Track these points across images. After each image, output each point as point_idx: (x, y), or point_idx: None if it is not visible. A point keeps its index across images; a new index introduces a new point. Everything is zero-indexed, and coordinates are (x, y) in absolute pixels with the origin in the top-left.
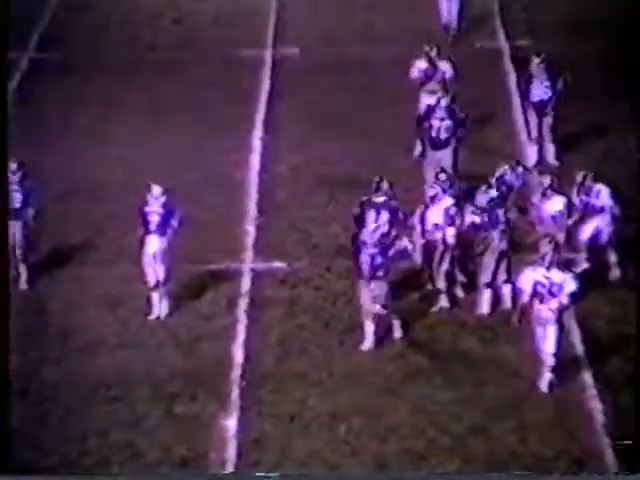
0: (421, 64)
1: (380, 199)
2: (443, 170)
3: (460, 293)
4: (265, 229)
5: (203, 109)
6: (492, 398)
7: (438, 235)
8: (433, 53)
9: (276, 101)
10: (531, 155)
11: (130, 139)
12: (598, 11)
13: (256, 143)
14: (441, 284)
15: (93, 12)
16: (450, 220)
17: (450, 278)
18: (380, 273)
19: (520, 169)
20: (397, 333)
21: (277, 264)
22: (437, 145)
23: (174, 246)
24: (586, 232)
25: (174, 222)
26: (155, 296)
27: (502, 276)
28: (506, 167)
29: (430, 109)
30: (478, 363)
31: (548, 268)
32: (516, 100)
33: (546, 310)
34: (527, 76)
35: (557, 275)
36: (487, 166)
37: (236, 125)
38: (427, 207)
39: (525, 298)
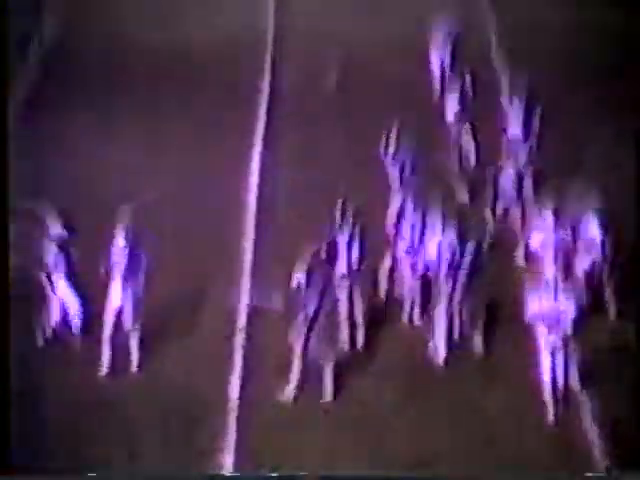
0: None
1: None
2: None
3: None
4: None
5: (200, 140)
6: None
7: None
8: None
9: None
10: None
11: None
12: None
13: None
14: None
15: (91, 44)
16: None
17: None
18: None
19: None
20: None
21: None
22: None
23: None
24: (581, 267)
25: (140, 272)
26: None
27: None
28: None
29: None
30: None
31: (554, 296)
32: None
33: (553, 338)
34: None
35: (562, 302)
36: None
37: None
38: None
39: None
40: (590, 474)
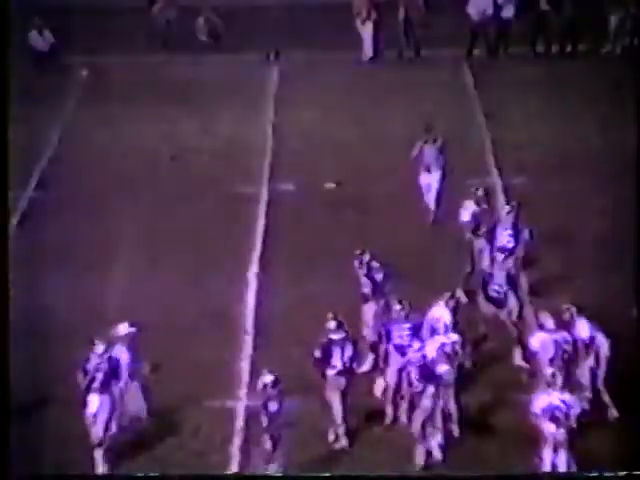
0: (471, 206)
1: (341, 336)
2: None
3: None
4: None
5: (199, 245)
6: None
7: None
8: (480, 193)
9: (271, 237)
10: None
11: (129, 274)
12: (588, 148)
13: (252, 279)
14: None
15: (91, 149)
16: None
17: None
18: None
19: None
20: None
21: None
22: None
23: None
24: (583, 373)
25: (121, 380)
26: (98, 453)
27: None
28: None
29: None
30: None
31: (561, 390)
32: None
33: (560, 434)
34: (493, 220)
35: (569, 397)
36: None
37: (233, 261)
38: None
39: (541, 424)
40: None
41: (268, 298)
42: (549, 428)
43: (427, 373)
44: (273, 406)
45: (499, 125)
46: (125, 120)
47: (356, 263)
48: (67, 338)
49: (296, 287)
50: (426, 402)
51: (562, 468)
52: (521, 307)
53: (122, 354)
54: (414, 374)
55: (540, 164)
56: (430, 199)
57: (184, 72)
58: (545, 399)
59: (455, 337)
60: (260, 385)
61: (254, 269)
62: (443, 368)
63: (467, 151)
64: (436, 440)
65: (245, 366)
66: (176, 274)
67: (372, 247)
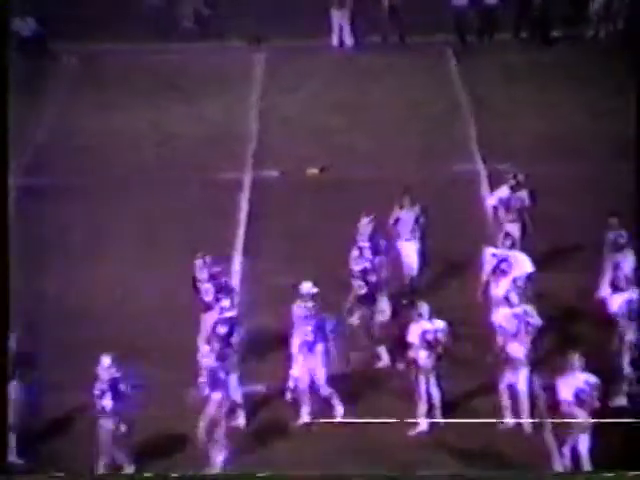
0: (501, 192)
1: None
2: None
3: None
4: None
5: (184, 231)
6: None
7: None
8: (520, 178)
9: (255, 224)
10: None
11: (120, 259)
12: (574, 134)
13: (236, 264)
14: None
15: (77, 136)
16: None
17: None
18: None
19: None
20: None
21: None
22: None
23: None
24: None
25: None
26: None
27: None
28: None
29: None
30: None
31: (583, 372)
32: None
33: (585, 416)
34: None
35: (593, 378)
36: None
37: (217, 246)
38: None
39: (566, 407)
40: None
41: (252, 283)
42: (579, 414)
43: None
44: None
45: (484, 111)
46: (112, 106)
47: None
48: (56, 323)
49: (280, 273)
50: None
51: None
52: None
53: None
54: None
55: (526, 150)
56: (408, 267)
57: (170, 59)
58: (570, 383)
59: (441, 324)
60: None
61: (238, 255)
62: (422, 354)
63: (452, 137)
64: None
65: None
66: (161, 259)
67: (355, 231)
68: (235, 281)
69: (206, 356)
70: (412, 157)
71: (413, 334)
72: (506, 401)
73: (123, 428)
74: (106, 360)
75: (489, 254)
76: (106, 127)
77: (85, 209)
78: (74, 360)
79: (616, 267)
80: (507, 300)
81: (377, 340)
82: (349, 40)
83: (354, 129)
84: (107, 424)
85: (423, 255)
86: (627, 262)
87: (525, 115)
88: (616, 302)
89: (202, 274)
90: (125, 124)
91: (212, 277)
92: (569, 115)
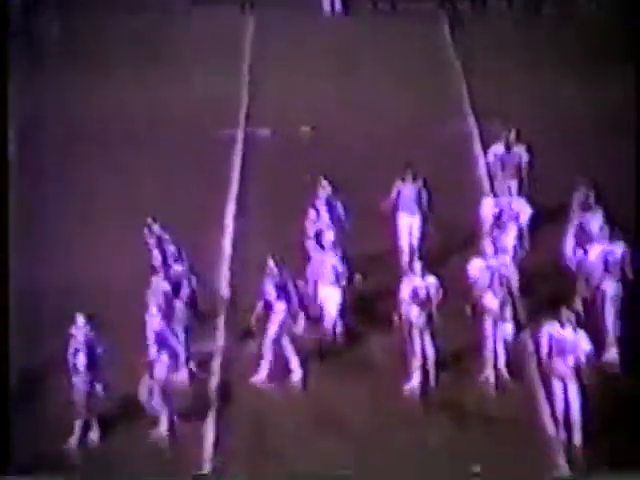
0: (498, 149)
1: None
2: None
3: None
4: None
5: (175, 190)
6: None
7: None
8: (511, 137)
9: (248, 182)
10: None
11: (108, 223)
12: (565, 98)
13: (228, 224)
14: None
15: (68, 105)
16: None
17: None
18: None
19: None
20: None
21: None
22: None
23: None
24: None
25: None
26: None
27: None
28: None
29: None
30: None
31: (562, 325)
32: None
33: (562, 365)
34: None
35: (569, 333)
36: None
37: (209, 207)
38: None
39: (542, 352)
40: None
41: (244, 244)
42: (553, 358)
43: None
44: None
45: (476, 77)
46: (100, 72)
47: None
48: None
49: (272, 232)
50: None
51: (574, 401)
52: None
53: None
54: None
55: (517, 113)
56: (405, 244)
57: (159, 24)
58: (546, 329)
59: (432, 280)
60: None
61: (230, 214)
62: (414, 311)
63: (443, 102)
64: None
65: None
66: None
67: (347, 190)
68: (227, 242)
69: (154, 317)
70: (404, 120)
71: (404, 290)
72: (489, 353)
73: (99, 388)
74: (81, 319)
75: (490, 205)
76: (94, 94)
77: (74, 175)
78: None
79: (582, 226)
80: (482, 252)
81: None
82: (340, 6)
83: (346, 94)
84: (80, 384)
85: (424, 229)
86: (594, 220)
87: (516, 79)
88: (593, 253)
89: (150, 238)
90: (114, 90)
91: (160, 242)
92: (559, 81)
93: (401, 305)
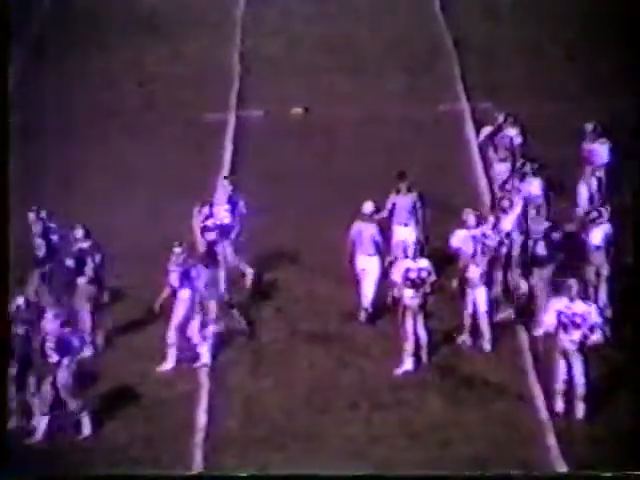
0: (488, 131)
1: None
2: None
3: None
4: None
5: (167, 172)
6: None
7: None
8: (501, 119)
9: (239, 164)
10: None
11: (95, 201)
12: (556, 73)
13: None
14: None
15: (57, 76)
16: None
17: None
18: None
19: None
20: None
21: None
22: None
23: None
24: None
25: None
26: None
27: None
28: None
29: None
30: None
31: (572, 299)
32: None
33: (568, 341)
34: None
35: (580, 306)
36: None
37: (200, 187)
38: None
39: (550, 329)
40: None
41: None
42: (559, 334)
43: None
44: None
45: (468, 50)
46: (92, 47)
47: None
48: None
49: (263, 213)
50: None
51: (579, 375)
52: None
53: None
54: None
55: (509, 89)
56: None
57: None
58: (553, 305)
59: (424, 263)
60: None
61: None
62: (408, 293)
63: (435, 76)
64: None
65: None
66: (143, 201)
67: (339, 171)
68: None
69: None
70: (396, 96)
71: (396, 273)
72: (467, 321)
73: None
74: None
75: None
76: (86, 69)
77: (62, 150)
78: None
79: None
80: (465, 222)
81: None
82: None
83: (337, 68)
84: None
85: (420, 241)
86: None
87: (508, 53)
88: (596, 236)
89: (36, 228)
90: (106, 65)
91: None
92: (549, 54)
93: (394, 288)
